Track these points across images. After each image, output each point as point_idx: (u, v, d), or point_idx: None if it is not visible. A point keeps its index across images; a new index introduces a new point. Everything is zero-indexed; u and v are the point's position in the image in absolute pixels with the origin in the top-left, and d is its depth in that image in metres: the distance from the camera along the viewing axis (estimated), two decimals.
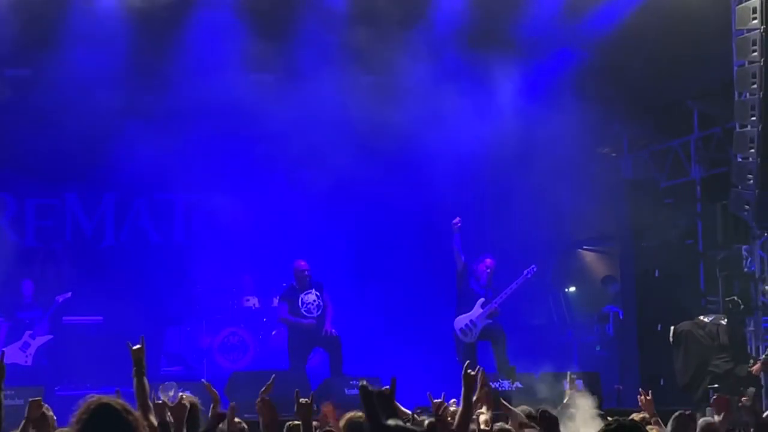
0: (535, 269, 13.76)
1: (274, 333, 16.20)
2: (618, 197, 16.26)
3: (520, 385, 12.48)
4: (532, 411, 7.39)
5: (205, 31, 13.74)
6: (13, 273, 14.83)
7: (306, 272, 13.88)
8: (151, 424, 5.20)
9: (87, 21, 13.31)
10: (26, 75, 14.74)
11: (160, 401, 5.94)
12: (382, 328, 16.06)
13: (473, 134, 14.74)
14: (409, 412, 6.91)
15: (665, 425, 7.64)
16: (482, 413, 6.63)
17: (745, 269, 13.41)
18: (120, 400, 4.31)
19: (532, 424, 7.00)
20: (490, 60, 14.23)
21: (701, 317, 13.45)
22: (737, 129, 12.42)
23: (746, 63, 12.20)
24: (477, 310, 13.72)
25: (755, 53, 12.03)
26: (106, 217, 16.56)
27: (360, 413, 6.52)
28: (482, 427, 6.49)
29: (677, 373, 13.24)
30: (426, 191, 15.77)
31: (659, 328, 14.40)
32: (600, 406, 9.16)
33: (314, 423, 6.51)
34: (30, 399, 6.30)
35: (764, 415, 8.89)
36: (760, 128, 12.02)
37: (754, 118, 12.09)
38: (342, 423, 6.46)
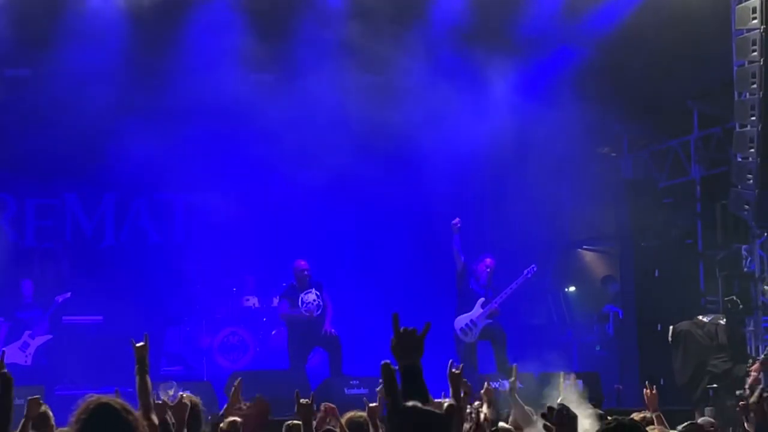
0: (535, 269, 13.75)
1: (274, 333, 16.19)
2: (618, 197, 16.24)
3: (520, 385, 12.43)
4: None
5: (204, 30, 13.75)
6: (13, 273, 14.83)
7: (306, 272, 13.86)
8: (152, 424, 5.19)
9: (87, 20, 13.35)
10: (26, 75, 14.76)
11: (161, 401, 5.92)
12: (382, 328, 15.96)
13: (473, 133, 14.74)
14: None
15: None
16: (482, 411, 6.63)
17: (745, 269, 13.40)
18: (119, 400, 4.30)
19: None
20: (489, 59, 14.24)
21: (700, 317, 13.47)
22: (737, 129, 12.43)
23: (746, 63, 12.21)
24: (477, 309, 13.71)
25: (755, 53, 12.03)
26: (106, 217, 16.55)
27: (360, 413, 6.53)
28: (482, 422, 6.50)
29: (676, 372, 13.24)
30: (425, 191, 15.76)
31: (659, 328, 14.38)
32: (600, 406, 9.14)
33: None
34: (29, 397, 6.28)
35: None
36: (759, 128, 12.03)
37: (753, 118, 12.09)
38: (343, 422, 6.47)
